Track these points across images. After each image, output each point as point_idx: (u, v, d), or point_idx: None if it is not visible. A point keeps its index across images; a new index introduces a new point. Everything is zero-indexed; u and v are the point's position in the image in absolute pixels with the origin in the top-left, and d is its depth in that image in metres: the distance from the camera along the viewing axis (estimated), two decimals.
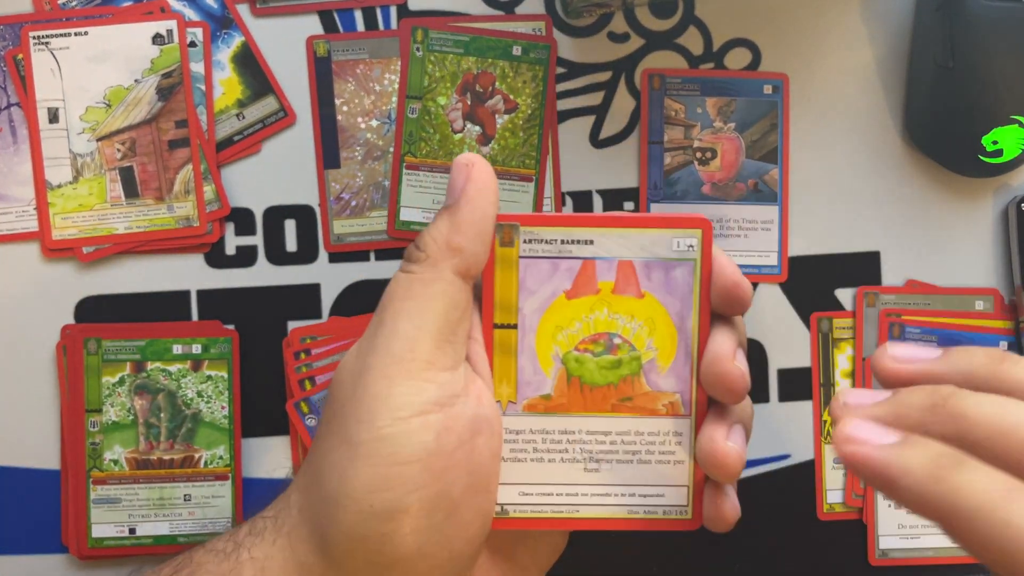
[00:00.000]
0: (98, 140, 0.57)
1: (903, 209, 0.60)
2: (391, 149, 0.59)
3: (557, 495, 0.37)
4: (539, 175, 0.59)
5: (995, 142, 0.57)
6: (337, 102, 0.59)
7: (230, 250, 0.59)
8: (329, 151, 0.59)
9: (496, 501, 0.37)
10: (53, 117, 0.57)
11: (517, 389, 0.37)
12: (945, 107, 0.57)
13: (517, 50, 0.59)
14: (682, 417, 0.37)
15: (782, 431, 0.60)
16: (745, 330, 0.41)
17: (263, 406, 0.58)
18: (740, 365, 0.37)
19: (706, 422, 0.37)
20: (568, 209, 0.60)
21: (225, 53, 0.59)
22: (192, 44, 0.58)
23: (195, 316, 0.58)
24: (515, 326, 0.37)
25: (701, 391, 0.37)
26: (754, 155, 0.60)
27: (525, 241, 0.36)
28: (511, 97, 0.59)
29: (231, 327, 0.58)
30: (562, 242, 0.37)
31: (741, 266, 0.59)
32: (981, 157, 0.57)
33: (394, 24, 0.59)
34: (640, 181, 0.60)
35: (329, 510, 0.38)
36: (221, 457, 0.57)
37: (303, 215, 0.59)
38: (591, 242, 0.37)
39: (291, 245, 0.59)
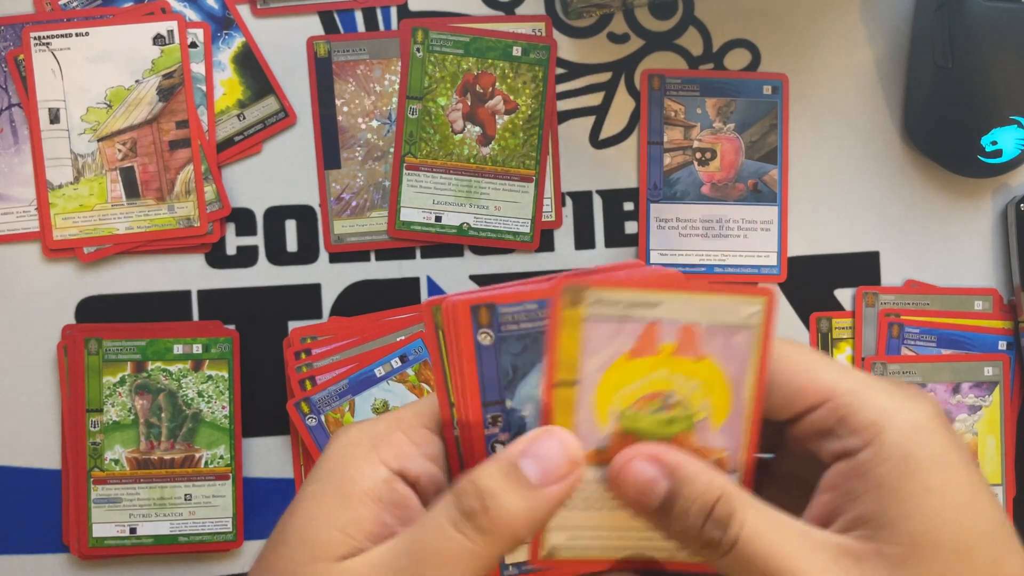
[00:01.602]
0: (99, 140, 0.58)
1: (902, 209, 0.60)
2: (391, 149, 0.59)
3: (606, 537, 0.38)
4: (539, 175, 0.59)
5: (994, 142, 0.57)
6: (338, 103, 0.59)
7: (231, 250, 0.59)
8: (330, 151, 0.59)
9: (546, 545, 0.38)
10: (54, 117, 0.57)
11: None
12: (944, 107, 0.57)
13: (517, 51, 0.59)
14: (729, 473, 0.38)
15: None
16: None
17: (264, 406, 0.58)
18: None
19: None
20: (568, 210, 0.60)
21: (226, 54, 0.59)
22: (193, 45, 0.58)
23: (196, 316, 0.59)
24: (575, 383, 0.37)
25: (750, 452, 0.38)
26: (754, 155, 0.60)
27: (592, 303, 0.37)
28: (511, 98, 0.59)
29: (232, 327, 0.58)
30: (628, 304, 0.37)
31: (740, 267, 0.59)
32: (980, 157, 0.57)
33: (394, 25, 0.59)
34: (640, 181, 0.60)
35: None
36: (222, 457, 0.57)
37: (304, 215, 0.59)
38: (657, 305, 0.37)
39: (292, 245, 0.59)
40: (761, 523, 0.35)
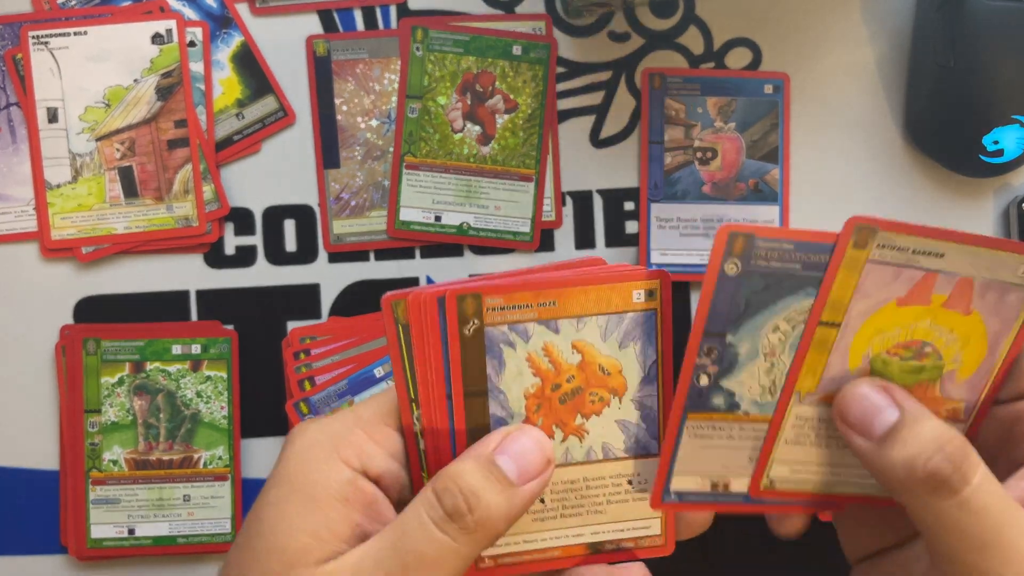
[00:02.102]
0: (97, 140, 0.57)
1: (903, 209, 0.60)
2: (391, 149, 0.59)
3: (823, 473, 0.39)
4: (539, 175, 0.59)
5: (996, 142, 0.57)
6: (337, 102, 0.59)
7: (229, 250, 0.59)
8: (329, 151, 0.59)
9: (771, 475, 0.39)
10: (52, 117, 0.57)
11: (819, 382, 0.38)
12: (946, 107, 0.57)
13: (517, 50, 0.59)
14: (958, 422, 0.39)
15: None
16: None
17: (262, 406, 0.58)
18: None
19: None
20: (568, 210, 0.60)
21: (224, 53, 0.58)
22: (191, 44, 0.58)
23: (194, 316, 0.58)
24: (838, 325, 0.37)
25: (984, 405, 0.39)
26: (754, 155, 0.59)
27: (879, 246, 0.37)
28: (511, 97, 0.59)
29: (230, 327, 0.58)
30: (913, 251, 0.37)
31: None
32: (981, 157, 0.57)
33: (394, 24, 0.59)
34: (640, 181, 0.60)
35: None
36: (220, 457, 0.57)
37: (303, 215, 0.59)
38: (941, 255, 0.37)
39: (291, 245, 0.59)
40: (991, 477, 0.34)
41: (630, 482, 0.39)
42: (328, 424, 0.37)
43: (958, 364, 0.38)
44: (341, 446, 0.36)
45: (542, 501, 0.39)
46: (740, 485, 0.39)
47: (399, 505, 0.36)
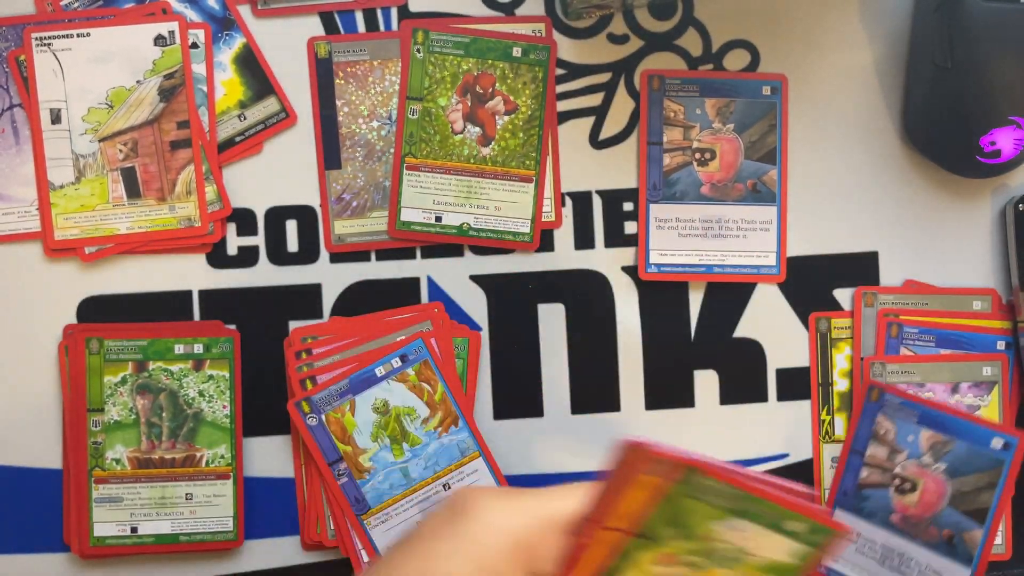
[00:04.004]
0: (100, 141, 0.58)
1: (901, 209, 0.61)
2: (392, 150, 0.59)
3: None
4: (539, 176, 0.59)
5: (993, 143, 0.57)
6: (338, 103, 0.59)
7: (232, 250, 0.59)
8: (330, 152, 0.59)
9: None
10: (55, 118, 0.58)
11: None
12: (943, 108, 0.57)
13: (517, 51, 0.59)
14: None
15: (780, 431, 0.60)
16: None
17: (264, 405, 0.58)
18: None
19: None
20: (568, 210, 0.60)
21: (227, 54, 0.59)
22: (194, 45, 0.58)
23: (197, 316, 0.59)
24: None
25: None
26: (753, 156, 0.60)
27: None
28: (511, 98, 0.59)
29: (232, 327, 0.59)
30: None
31: (740, 267, 0.59)
32: (979, 157, 0.57)
33: (395, 25, 0.59)
34: (639, 182, 0.60)
35: None
36: (222, 456, 0.58)
37: (304, 215, 0.59)
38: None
39: (292, 245, 0.59)
40: None
41: None
42: (509, 511, 0.38)
43: None
44: (521, 545, 0.37)
45: None
46: None
47: None
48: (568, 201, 0.60)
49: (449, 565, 0.36)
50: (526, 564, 0.37)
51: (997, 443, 0.53)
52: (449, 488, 0.57)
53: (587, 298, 0.60)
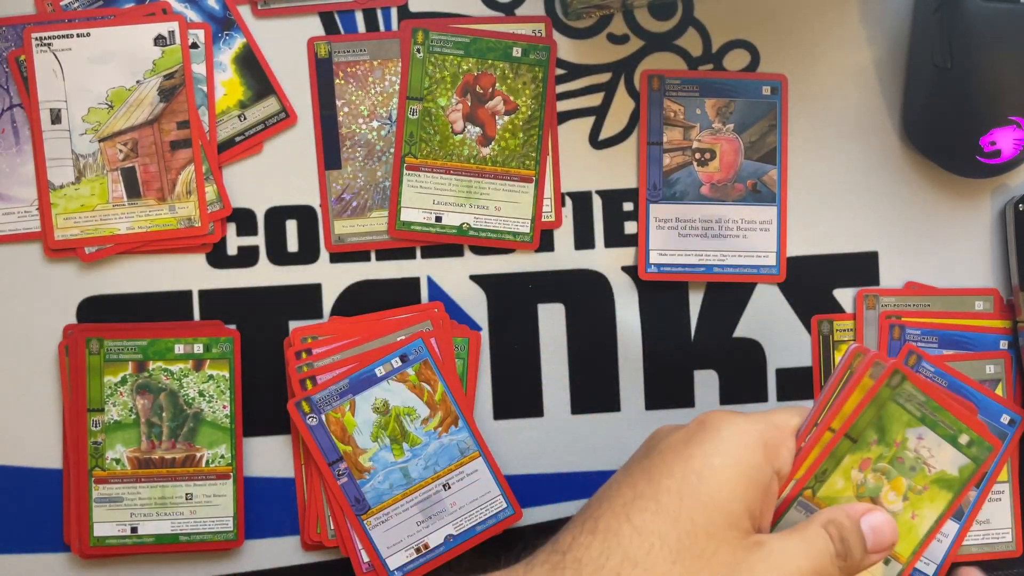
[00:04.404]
0: (100, 141, 0.58)
1: (901, 209, 0.61)
2: (392, 150, 0.59)
3: None
4: (539, 176, 0.59)
5: (993, 143, 0.57)
6: (338, 103, 0.59)
7: (232, 250, 0.59)
8: (330, 152, 0.59)
9: None
10: (55, 118, 0.58)
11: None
12: (943, 108, 0.57)
13: (517, 51, 0.59)
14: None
15: None
16: None
17: (264, 405, 0.58)
18: None
19: None
20: (568, 210, 0.60)
21: (227, 54, 0.59)
22: (194, 45, 0.58)
23: (197, 316, 0.59)
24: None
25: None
26: (753, 156, 0.60)
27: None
28: (511, 98, 0.59)
29: (232, 327, 0.59)
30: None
31: (740, 267, 0.59)
32: (979, 158, 0.57)
33: (395, 25, 0.59)
34: (639, 182, 0.60)
35: None
36: (223, 456, 0.58)
37: (304, 215, 0.59)
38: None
39: (292, 245, 0.59)
40: None
41: None
42: (753, 421, 0.44)
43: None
44: (769, 444, 0.44)
45: None
46: None
47: None
48: (568, 201, 0.60)
49: (713, 461, 0.42)
50: (772, 460, 0.43)
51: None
52: (449, 488, 0.57)
53: (587, 298, 0.60)
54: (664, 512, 0.41)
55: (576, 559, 0.41)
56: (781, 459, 0.44)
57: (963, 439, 0.45)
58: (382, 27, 0.59)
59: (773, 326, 0.60)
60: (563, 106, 0.60)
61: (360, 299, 0.59)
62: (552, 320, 0.60)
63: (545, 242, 0.60)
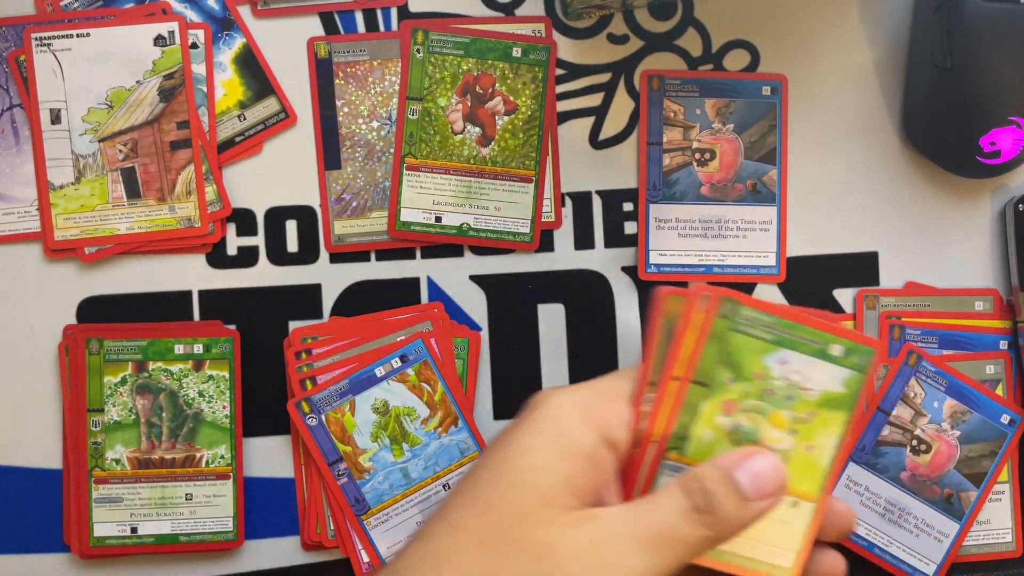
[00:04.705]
0: (100, 141, 0.58)
1: (901, 210, 0.61)
2: (391, 150, 0.59)
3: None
4: (539, 176, 0.59)
5: (993, 143, 0.57)
6: (338, 103, 0.59)
7: (231, 250, 0.59)
8: (330, 152, 0.59)
9: None
10: (55, 118, 0.58)
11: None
12: (943, 108, 0.57)
13: (517, 52, 0.59)
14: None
15: None
16: None
17: (264, 406, 0.58)
18: None
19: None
20: (568, 211, 0.60)
21: (226, 54, 0.59)
22: (194, 46, 0.58)
23: (197, 316, 0.59)
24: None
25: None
26: (753, 156, 0.60)
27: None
28: (511, 98, 0.59)
29: (232, 327, 0.59)
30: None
31: (740, 267, 0.59)
32: (979, 158, 0.57)
33: (395, 26, 0.59)
34: (639, 182, 0.60)
35: None
36: (222, 456, 0.58)
37: (304, 216, 0.59)
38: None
39: (292, 246, 0.59)
40: None
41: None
42: (575, 391, 0.41)
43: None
44: (591, 412, 0.41)
45: None
46: None
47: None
48: (568, 201, 0.60)
49: (525, 442, 0.40)
50: (598, 429, 0.40)
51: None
52: (449, 488, 0.57)
53: (587, 298, 0.60)
54: (474, 504, 0.40)
55: (395, 570, 0.40)
56: (608, 425, 0.41)
57: (834, 350, 0.41)
58: (382, 27, 0.59)
59: None
60: (563, 106, 0.60)
61: (360, 299, 0.59)
62: (552, 320, 0.60)
63: (545, 242, 0.60)
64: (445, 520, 0.40)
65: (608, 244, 0.60)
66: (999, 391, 0.59)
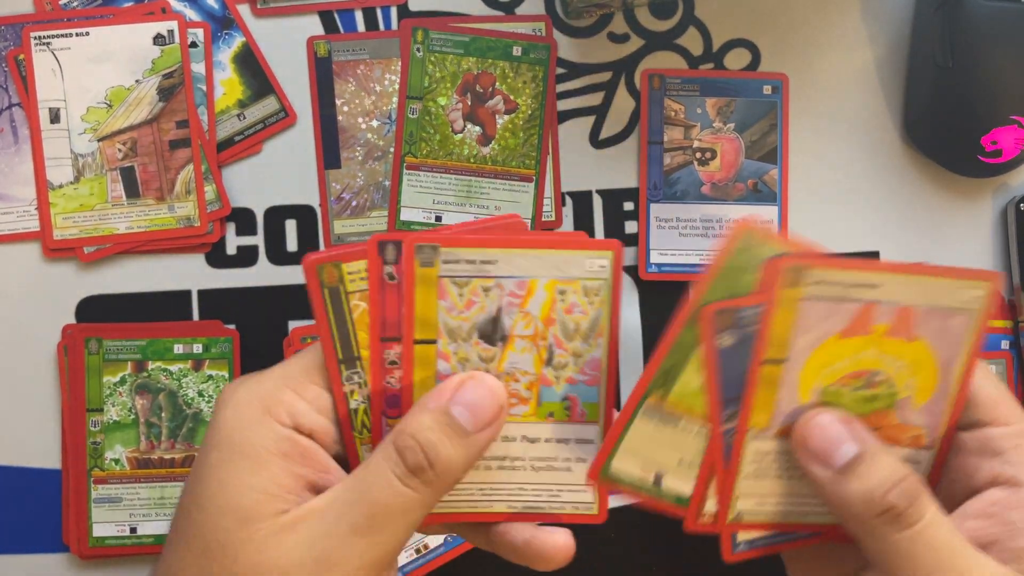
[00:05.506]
0: (99, 140, 0.58)
1: (902, 209, 0.60)
2: (391, 149, 0.59)
3: (787, 504, 0.40)
4: (539, 175, 0.59)
5: (994, 142, 0.57)
6: (338, 102, 0.59)
7: (231, 250, 0.59)
8: (330, 151, 0.59)
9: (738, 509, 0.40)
10: (54, 117, 0.58)
11: (772, 417, 0.38)
12: (944, 107, 0.57)
13: (517, 50, 0.59)
14: (924, 449, 0.40)
15: None
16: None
17: None
18: None
19: None
20: (568, 210, 0.60)
21: (226, 53, 0.59)
22: (193, 44, 0.58)
23: (196, 316, 0.59)
24: (782, 361, 0.38)
25: (948, 431, 0.40)
26: (753, 155, 0.60)
27: (811, 283, 0.37)
28: (511, 97, 0.59)
29: (232, 327, 0.59)
30: (847, 285, 0.37)
31: None
32: (980, 157, 0.57)
33: (394, 24, 0.59)
34: (640, 181, 0.60)
35: None
36: None
37: (304, 215, 0.59)
38: (876, 287, 0.38)
39: (292, 245, 0.59)
40: (941, 513, 0.36)
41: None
42: (256, 384, 0.37)
43: (912, 391, 0.39)
44: (272, 404, 0.37)
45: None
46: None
47: (336, 458, 0.38)
48: (568, 200, 0.60)
49: (220, 454, 0.36)
50: (288, 421, 0.37)
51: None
52: None
53: None
54: (179, 540, 0.36)
55: None
56: (295, 410, 0.37)
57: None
58: (382, 26, 0.59)
59: None
60: (563, 105, 0.60)
61: None
62: None
63: None
64: (163, 561, 0.37)
65: None
66: None
